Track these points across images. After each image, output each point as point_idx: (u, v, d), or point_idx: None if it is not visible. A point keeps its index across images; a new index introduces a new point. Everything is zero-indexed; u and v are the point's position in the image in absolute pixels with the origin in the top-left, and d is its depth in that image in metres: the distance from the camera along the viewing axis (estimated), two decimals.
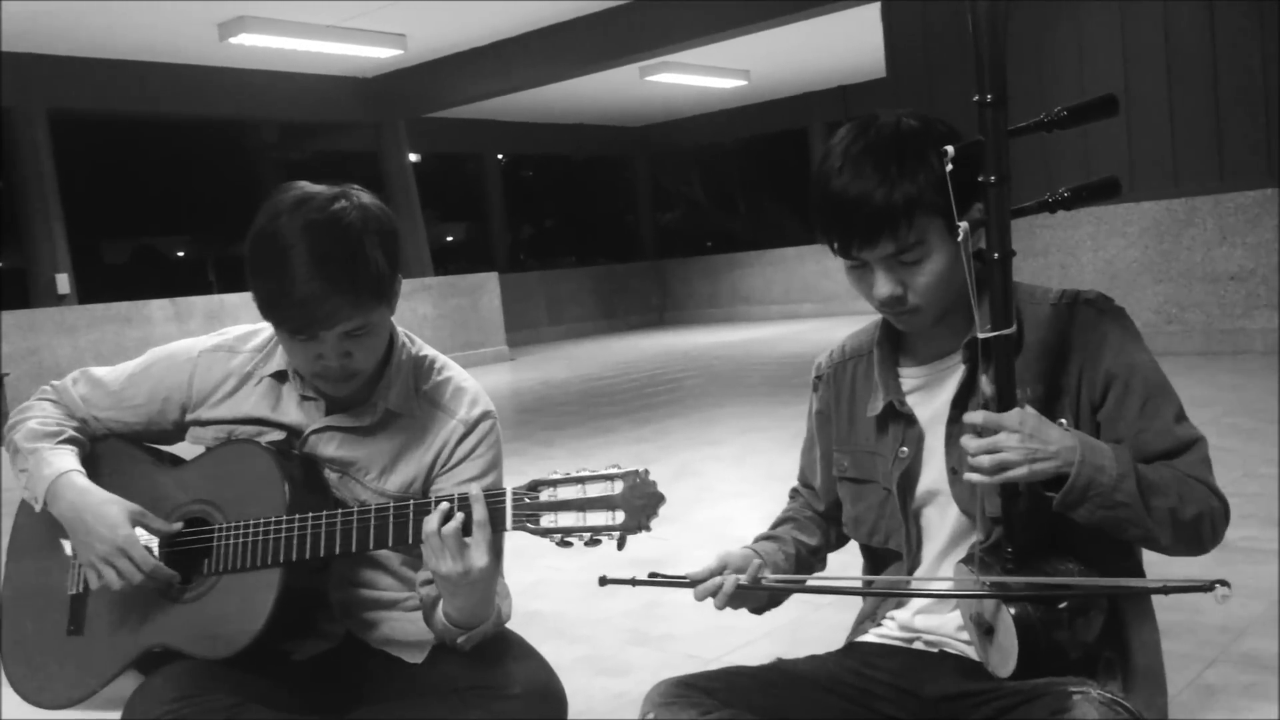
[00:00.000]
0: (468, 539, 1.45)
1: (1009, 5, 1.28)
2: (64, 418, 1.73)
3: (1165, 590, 1.21)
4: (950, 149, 1.30)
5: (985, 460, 1.27)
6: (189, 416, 1.74)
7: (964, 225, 1.30)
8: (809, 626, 2.58)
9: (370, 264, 1.53)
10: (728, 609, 1.46)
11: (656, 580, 1.43)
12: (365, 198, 1.59)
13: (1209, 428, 4.89)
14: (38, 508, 1.64)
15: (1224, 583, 1.14)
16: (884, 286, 1.39)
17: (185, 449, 1.75)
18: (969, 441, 1.30)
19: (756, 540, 1.62)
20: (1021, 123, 1.32)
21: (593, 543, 1.39)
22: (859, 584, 1.57)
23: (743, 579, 1.42)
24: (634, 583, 1.43)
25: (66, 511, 1.60)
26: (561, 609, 3.04)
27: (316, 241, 1.50)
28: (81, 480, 1.62)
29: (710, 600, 1.44)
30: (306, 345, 1.56)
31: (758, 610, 1.57)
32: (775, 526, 1.68)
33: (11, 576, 1.73)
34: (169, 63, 10.77)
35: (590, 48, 10.78)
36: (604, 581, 1.44)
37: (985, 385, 1.33)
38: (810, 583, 1.54)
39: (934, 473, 1.48)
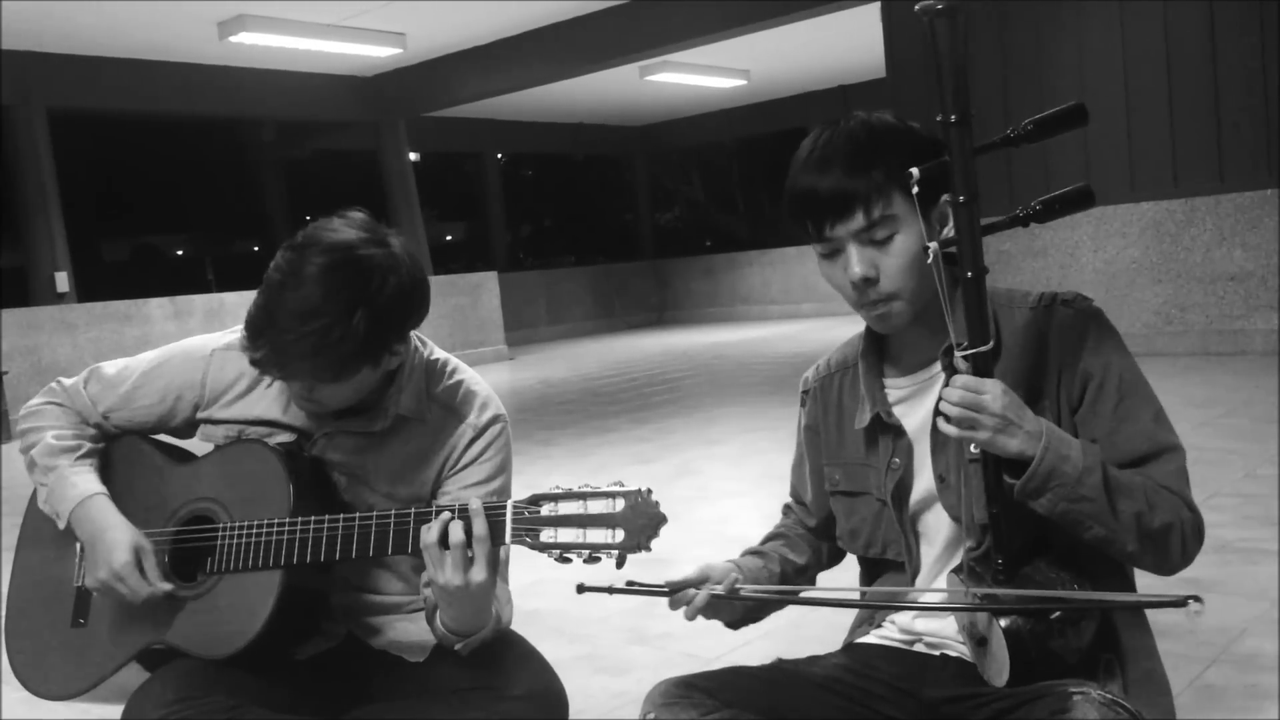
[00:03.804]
0: (469, 552, 1.44)
1: (967, 21, 1.27)
2: (79, 426, 1.72)
3: (1140, 605, 1.19)
4: (915, 171, 1.30)
5: (955, 411, 1.27)
6: (200, 415, 1.73)
7: (934, 245, 1.30)
8: (809, 626, 2.58)
9: (345, 339, 1.48)
10: (701, 619, 1.45)
11: (634, 589, 1.41)
12: (396, 245, 1.56)
13: (1208, 428, 4.89)
14: (60, 525, 1.64)
15: (1196, 598, 1.11)
16: (856, 265, 1.38)
17: (197, 445, 1.75)
18: (950, 391, 1.29)
19: (743, 554, 1.62)
20: (987, 140, 1.31)
21: (591, 560, 1.38)
22: (847, 595, 1.55)
23: (718, 589, 1.43)
24: (611, 590, 1.41)
25: (91, 531, 1.61)
26: (561, 608, 3.04)
27: (299, 297, 1.48)
28: (105, 505, 1.63)
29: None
30: None
31: (732, 624, 1.57)
32: (764, 542, 1.67)
33: (21, 566, 1.73)
34: (169, 61, 10.77)
35: (590, 47, 10.78)
36: (581, 589, 1.42)
37: None
38: (787, 594, 1.52)
39: (926, 481, 1.47)
